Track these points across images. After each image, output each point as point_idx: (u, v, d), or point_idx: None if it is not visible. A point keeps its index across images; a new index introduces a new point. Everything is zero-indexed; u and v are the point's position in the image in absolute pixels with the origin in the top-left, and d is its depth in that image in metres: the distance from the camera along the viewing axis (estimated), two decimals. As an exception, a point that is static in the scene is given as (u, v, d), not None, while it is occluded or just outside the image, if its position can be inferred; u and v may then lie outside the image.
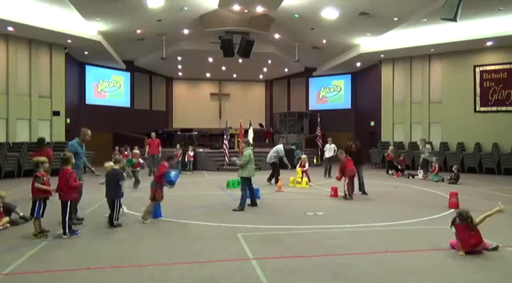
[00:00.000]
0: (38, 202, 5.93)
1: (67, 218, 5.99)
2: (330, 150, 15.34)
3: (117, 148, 16.06)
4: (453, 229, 5.43)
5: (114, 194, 6.75)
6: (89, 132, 7.43)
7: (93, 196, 8.95)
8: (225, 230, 6.50)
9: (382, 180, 14.59)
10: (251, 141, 17.59)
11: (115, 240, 5.91)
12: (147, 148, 15.24)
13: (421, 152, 15.47)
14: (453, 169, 13.85)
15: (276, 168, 12.79)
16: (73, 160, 6.35)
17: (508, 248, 5.50)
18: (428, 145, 15.36)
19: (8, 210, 6.89)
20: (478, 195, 10.55)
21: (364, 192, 10.60)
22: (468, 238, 5.24)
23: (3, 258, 4.92)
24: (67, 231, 5.98)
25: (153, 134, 15.74)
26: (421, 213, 7.88)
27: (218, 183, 12.92)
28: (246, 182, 8.55)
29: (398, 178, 15.44)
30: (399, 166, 16.43)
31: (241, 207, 8.30)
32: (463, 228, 5.31)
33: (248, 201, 8.68)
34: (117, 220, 6.72)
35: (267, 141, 24.90)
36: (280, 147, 13.46)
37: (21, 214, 6.99)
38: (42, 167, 6.11)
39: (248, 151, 8.61)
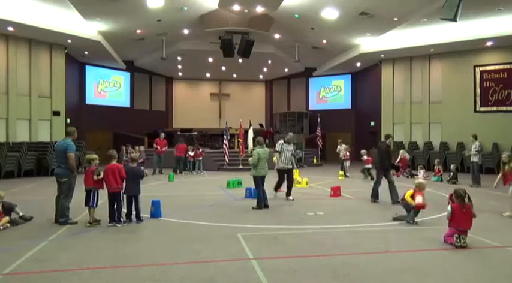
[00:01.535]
0: (92, 193, 6.78)
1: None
2: (341, 151, 15.72)
3: (123, 148, 16.14)
4: (449, 208, 5.69)
5: (135, 191, 7.09)
6: (75, 130, 7.53)
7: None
8: (225, 230, 6.50)
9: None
10: (250, 142, 17.66)
11: (115, 240, 5.91)
12: (157, 148, 16.24)
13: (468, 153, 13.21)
14: (451, 168, 13.85)
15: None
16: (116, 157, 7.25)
17: (508, 248, 5.50)
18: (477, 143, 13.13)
19: (8, 210, 6.89)
20: (478, 195, 10.54)
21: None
22: (460, 217, 5.56)
23: (3, 258, 4.92)
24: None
25: (162, 135, 16.73)
26: (421, 213, 7.87)
27: (218, 183, 12.92)
28: (255, 181, 8.67)
29: (398, 178, 15.43)
30: (399, 166, 16.45)
31: (258, 206, 8.45)
32: (458, 207, 5.63)
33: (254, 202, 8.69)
34: (140, 216, 7.13)
35: (267, 141, 24.89)
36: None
37: (21, 214, 7.00)
38: (93, 163, 6.94)
39: (257, 151, 8.66)
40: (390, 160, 10.05)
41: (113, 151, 7.29)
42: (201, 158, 16.89)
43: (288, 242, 5.78)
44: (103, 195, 7.04)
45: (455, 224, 5.58)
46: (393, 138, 10.89)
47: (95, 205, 6.81)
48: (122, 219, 6.84)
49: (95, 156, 7.09)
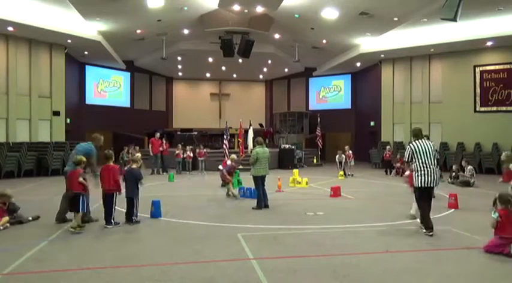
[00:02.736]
0: (81, 197, 6.36)
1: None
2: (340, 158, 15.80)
3: (126, 148, 16.25)
4: (495, 216, 5.16)
5: (132, 192, 7.04)
6: (102, 138, 7.57)
7: (93, 196, 8.93)
8: (225, 230, 6.50)
9: (381, 180, 14.60)
10: (250, 142, 17.66)
11: (115, 240, 5.91)
12: (150, 148, 16.27)
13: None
14: (453, 168, 13.86)
15: None
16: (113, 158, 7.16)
17: (508, 248, 5.50)
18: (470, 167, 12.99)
19: (12, 211, 6.92)
20: (478, 195, 10.55)
21: None
22: (507, 224, 5.08)
23: (3, 258, 4.92)
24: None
25: (157, 134, 16.55)
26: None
27: (218, 183, 12.90)
28: (254, 181, 8.67)
29: (397, 178, 15.43)
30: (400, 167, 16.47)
31: (258, 206, 8.44)
32: (506, 213, 5.14)
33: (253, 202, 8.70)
34: (136, 217, 7.03)
35: (267, 141, 24.89)
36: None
37: (23, 217, 6.98)
38: (81, 165, 6.60)
39: (256, 150, 8.67)
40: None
41: (108, 151, 7.13)
42: (203, 158, 16.60)
43: (287, 242, 5.78)
44: (100, 196, 6.99)
45: (503, 232, 5.10)
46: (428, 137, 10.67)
47: (85, 210, 6.48)
48: (112, 221, 6.70)
49: (83, 158, 6.72)
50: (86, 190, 6.57)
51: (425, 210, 6.29)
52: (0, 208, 6.72)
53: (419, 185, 6.25)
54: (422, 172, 6.24)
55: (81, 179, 6.43)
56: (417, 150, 6.38)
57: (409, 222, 7.20)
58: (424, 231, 6.20)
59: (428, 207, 6.32)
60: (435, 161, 6.36)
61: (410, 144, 6.53)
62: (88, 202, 6.81)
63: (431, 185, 6.26)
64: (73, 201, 6.39)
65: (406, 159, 6.57)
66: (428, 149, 6.38)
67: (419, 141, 6.52)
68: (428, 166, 6.25)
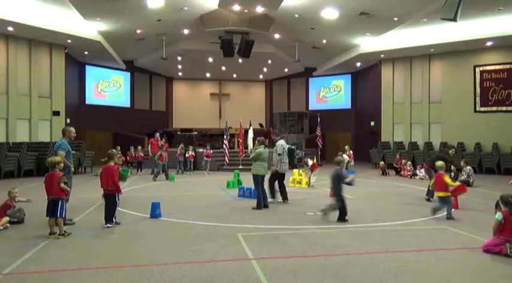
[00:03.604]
0: (60, 202, 5.97)
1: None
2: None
3: (131, 148, 16.43)
4: (499, 217, 5.17)
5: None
6: (73, 129, 7.29)
7: (92, 196, 8.94)
8: (225, 230, 6.50)
9: (381, 180, 14.61)
10: (250, 142, 17.67)
11: (115, 240, 5.91)
12: (149, 148, 16.14)
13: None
14: (452, 168, 13.85)
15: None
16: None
17: (508, 248, 5.49)
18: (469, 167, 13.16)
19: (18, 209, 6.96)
20: (478, 195, 10.56)
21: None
22: (510, 226, 5.09)
23: (3, 258, 4.92)
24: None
25: (157, 134, 16.51)
26: (421, 213, 7.89)
27: (218, 183, 12.92)
28: (254, 180, 8.64)
29: (396, 178, 15.44)
30: (398, 167, 16.48)
31: (258, 206, 8.44)
32: (508, 215, 5.13)
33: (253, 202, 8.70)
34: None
35: (267, 141, 24.84)
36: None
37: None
38: (58, 167, 6.13)
39: (259, 150, 8.71)
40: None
41: (112, 151, 6.98)
42: (209, 159, 16.83)
43: (288, 242, 5.77)
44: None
45: (503, 234, 5.12)
46: (455, 148, 10.89)
47: (63, 215, 6.05)
48: (114, 220, 6.68)
49: (58, 158, 6.26)
50: (67, 195, 6.20)
51: (274, 186, 9.19)
52: (8, 205, 6.81)
53: (282, 171, 9.07)
54: (285, 162, 9.18)
55: (62, 185, 5.93)
56: (284, 147, 9.25)
57: (409, 222, 7.21)
58: (274, 199, 9.09)
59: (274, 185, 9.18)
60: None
61: (282, 142, 9.29)
62: (65, 206, 6.22)
63: (285, 172, 9.21)
64: (51, 205, 5.95)
65: (281, 152, 9.04)
66: (286, 148, 9.42)
67: (283, 140, 9.44)
68: (286, 158, 9.25)
